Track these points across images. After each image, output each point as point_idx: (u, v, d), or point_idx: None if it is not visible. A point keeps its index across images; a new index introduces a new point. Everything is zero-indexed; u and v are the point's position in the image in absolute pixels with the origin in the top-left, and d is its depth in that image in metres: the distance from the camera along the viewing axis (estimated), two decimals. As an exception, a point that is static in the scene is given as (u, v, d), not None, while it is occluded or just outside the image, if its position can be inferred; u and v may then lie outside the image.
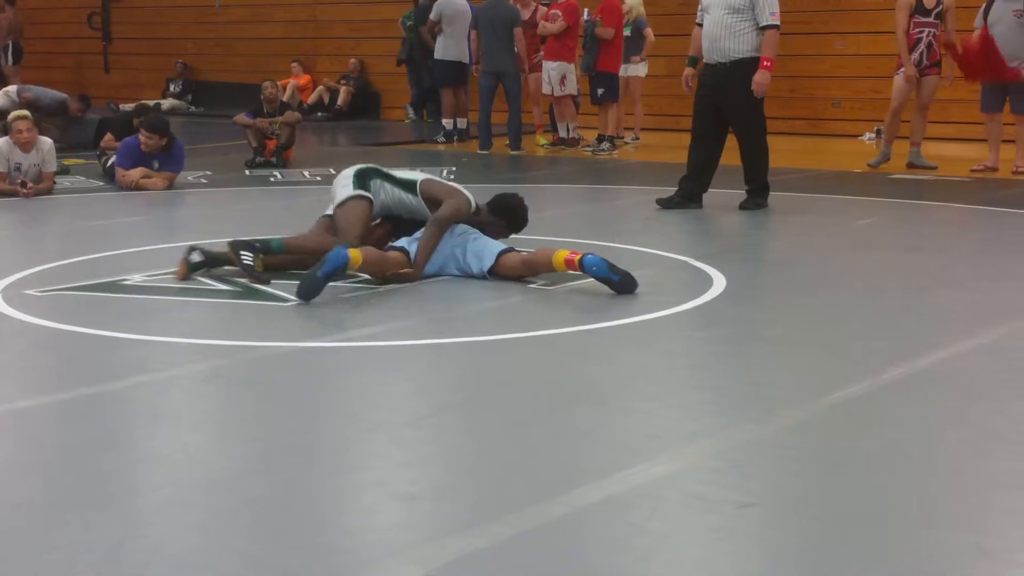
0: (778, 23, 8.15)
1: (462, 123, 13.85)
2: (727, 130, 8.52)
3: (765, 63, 8.09)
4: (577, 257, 5.66)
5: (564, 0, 12.55)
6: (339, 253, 5.52)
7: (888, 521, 3.08)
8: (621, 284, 5.63)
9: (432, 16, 13.66)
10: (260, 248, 5.99)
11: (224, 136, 13.40)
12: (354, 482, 3.40)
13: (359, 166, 6.42)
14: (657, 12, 13.82)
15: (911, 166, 10.59)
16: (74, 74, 20.71)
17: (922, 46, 10.38)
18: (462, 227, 6.13)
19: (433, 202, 6.18)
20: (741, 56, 8.13)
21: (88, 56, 21.09)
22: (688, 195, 8.44)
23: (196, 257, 5.98)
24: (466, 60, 13.40)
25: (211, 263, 6.03)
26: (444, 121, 13.93)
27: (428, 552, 2.89)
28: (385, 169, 6.42)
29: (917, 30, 10.37)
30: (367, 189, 6.21)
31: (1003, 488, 3.31)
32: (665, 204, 8.41)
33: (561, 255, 5.75)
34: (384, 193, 6.26)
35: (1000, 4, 10.17)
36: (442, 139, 13.79)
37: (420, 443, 3.74)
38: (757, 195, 8.45)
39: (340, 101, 17.38)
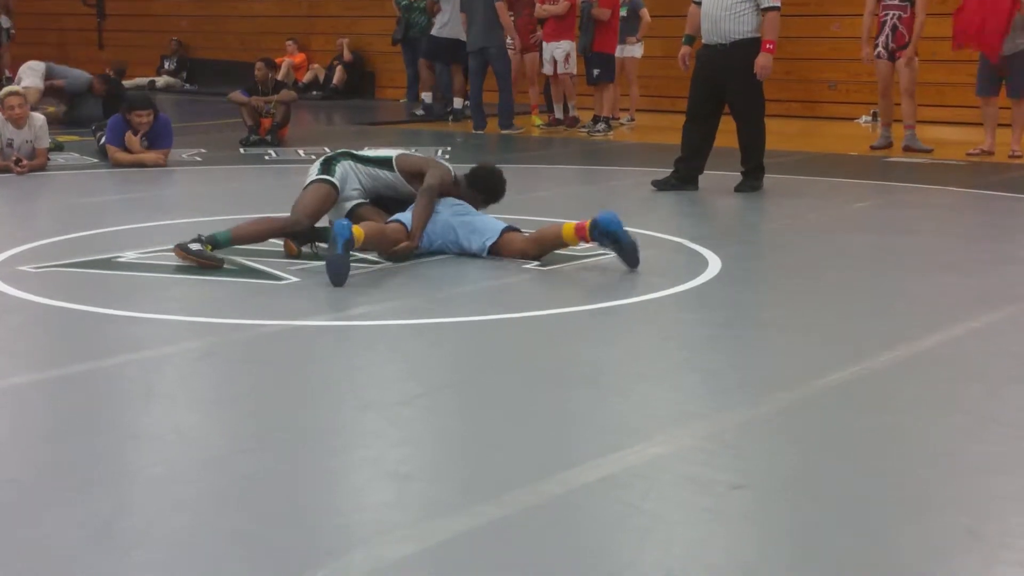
0: (779, 4, 8.12)
1: (457, 103, 13.82)
2: (722, 111, 8.48)
3: (767, 45, 8.05)
4: (588, 223, 5.67)
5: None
6: (342, 224, 5.45)
7: (881, 504, 3.08)
8: (628, 249, 5.64)
9: None
10: (206, 240, 5.84)
11: (219, 114, 13.35)
12: (346, 461, 3.40)
13: (327, 153, 6.39)
14: (654, -7, 13.76)
15: (907, 149, 10.59)
16: (68, 51, 20.61)
17: (887, 29, 10.43)
18: (457, 202, 6.12)
19: (412, 175, 6.19)
20: (741, 37, 8.09)
21: (82, 33, 21.00)
22: (684, 177, 8.42)
23: (194, 247, 5.83)
24: (463, 38, 13.35)
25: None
26: (423, 95, 13.93)
27: (420, 531, 2.89)
28: (356, 151, 6.42)
29: (884, 12, 10.43)
30: (332, 174, 6.16)
31: (996, 472, 3.31)
32: (661, 186, 8.40)
33: (570, 226, 5.78)
34: (360, 175, 6.24)
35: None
36: (421, 113, 13.83)
37: (413, 422, 3.73)
38: (752, 177, 8.44)
39: (335, 80, 17.32)
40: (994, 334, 4.75)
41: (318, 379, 4.18)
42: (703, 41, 8.36)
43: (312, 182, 6.15)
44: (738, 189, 8.36)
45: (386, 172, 6.25)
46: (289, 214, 6.05)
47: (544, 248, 5.95)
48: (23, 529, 2.90)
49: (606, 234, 5.65)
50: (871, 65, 10.67)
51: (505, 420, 3.73)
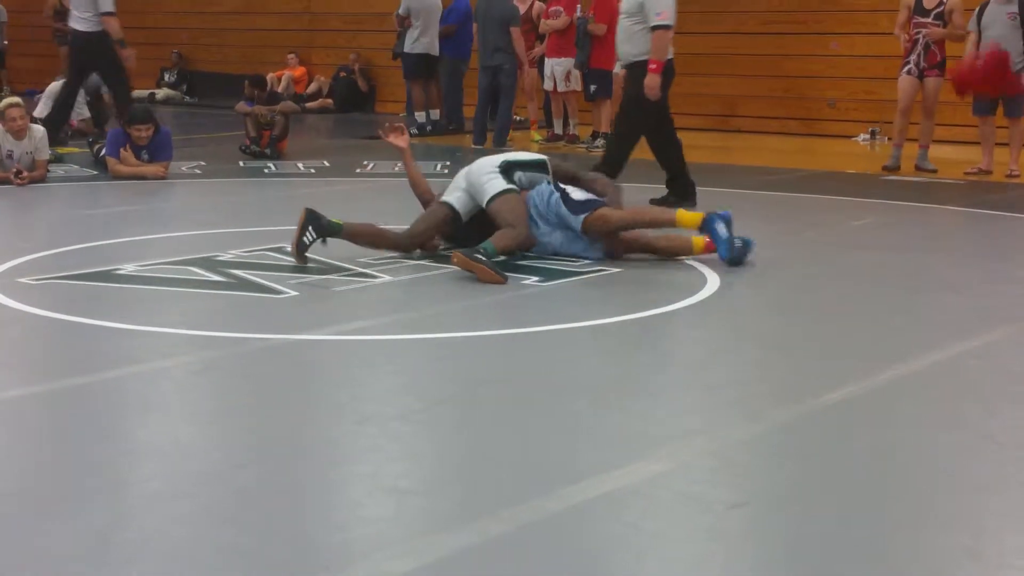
0: (666, 23, 7.92)
1: (434, 115, 13.92)
2: (666, 123, 8.41)
3: (651, 65, 7.92)
4: (703, 214, 6.19)
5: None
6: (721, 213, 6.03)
7: (880, 522, 3.08)
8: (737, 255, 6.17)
9: (400, 10, 13.71)
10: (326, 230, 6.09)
11: (219, 127, 13.37)
12: (344, 475, 3.39)
13: (496, 161, 6.44)
14: (653, 10, 13.80)
15: (918, 168, 10.53)
16: (57, 63, 20.60)
17: (919, 47, 10.30)
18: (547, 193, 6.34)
19: (563, 177, 6.49)
20: (634, 59, 8.05)
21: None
22: (680, 194, 8.40)
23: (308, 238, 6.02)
24: (435, 53, 13.52)
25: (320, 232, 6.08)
26: (416, 115, 13.98)
27: (418, 546, 2.89)
28: (512, 158, 6.58)
29: (916, 30, 10.32)
30: (513, 182, 6.33)
31: (995, 491, 3.31)
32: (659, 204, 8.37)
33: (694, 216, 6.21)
34: (525, 181, 6.41)
35: (994, 7, 10.16)
36: (415, 132, 13.85)
37: (411, 437, 3.73)
38: (674, 190, 8.28)
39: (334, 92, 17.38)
40: (992, 353, 4.75)
41: (317, 393, 4.18)
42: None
43: (506, 191, 6.23)
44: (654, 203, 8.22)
45: (541, 173, 6.47)
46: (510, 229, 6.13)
47: (644, 223, 6.33)
48: (20, 541, 2.89)
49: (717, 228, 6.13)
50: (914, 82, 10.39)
51: (504, 436, 3.73)
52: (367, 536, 2.97)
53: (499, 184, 6.27)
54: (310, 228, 6.07)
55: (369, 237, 6.35)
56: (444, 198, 6.41)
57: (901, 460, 3.55)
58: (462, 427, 3.85)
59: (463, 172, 6.49)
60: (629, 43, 8.05)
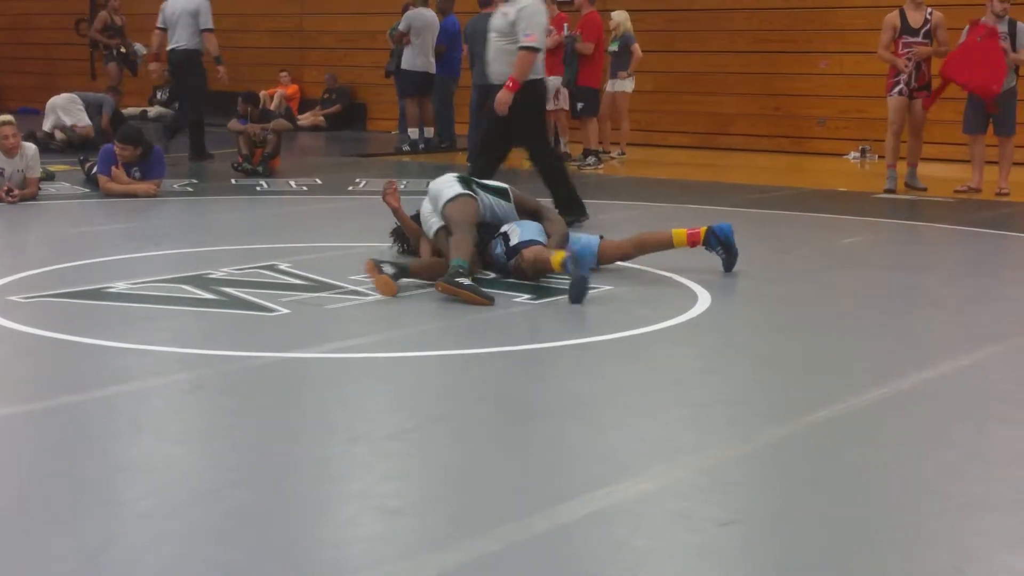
0: (534, 45, 7.86)
1: (428, 132, 13.98)
2: (507, 147, 8.39)
3: (508, 83, 7.82)
4: (702, 229, 6.49)
5: (555, 15, 12.61)
6: (586, 245, 6.02)
7: (869, 541, 3.09)
8: (734, 256, 6.54)
9: (401, 27, 13.77)
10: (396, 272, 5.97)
11: (211, 145, 13.35)
12: (336, 494, 3.39)
13: (455, 174, 6.55)
14: (645, 28, 13.87)
15: (908, 186, 10.56)
16: (59, 80, 20.63)
17: (910, 66, 10.31)
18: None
19: (524, 209, 6.58)
20: (505, 80, 7.96)
21: (75, 63, 21.02)
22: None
23: (389, 269, 5.94)
24: (432, 71, 13.61)
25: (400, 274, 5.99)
26: (409, 131, 14.02)
27: (410, 566, 2.88)
28: (474, 178, 6.66)
29: (906, 51, 10.32)
30: (472, 191, 6.37)
31: (984, 510, 3.32)
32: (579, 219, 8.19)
33: (681, 232, 6.41)
34: (486, 200, 6.44)
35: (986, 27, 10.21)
36: (407, 148, 13.87)
37: (403, 456, 3.73)
38: (569, 211, 8.03)
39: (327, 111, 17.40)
40: (982, 371, 4.77)
41: (308, 412, 4.18)
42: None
43: (461, 195, 6.26)
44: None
45: (502, 200, 6.50)
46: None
47: (645, 249, 6.55)
48: (8, 561, 2.89)
49: (722, 242, 6.51)
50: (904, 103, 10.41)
51: (495, 454, 3.73)
52: (358, 554, 2.97)
53: (455, 190, 6.30)
54: (383, 266, 5.95)
55: (429, 271, 6.16)
56: (434, 228, 6.38)
57: (890, 478, 3.56)
58: (453, 445, 3.85)
59: (425, 200, 6.54)
60: (500, 63, 8.02)
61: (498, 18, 8.05)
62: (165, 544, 3.00)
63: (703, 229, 6.53)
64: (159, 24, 12.31)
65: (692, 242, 6.53)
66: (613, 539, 3.05)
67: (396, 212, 6.81)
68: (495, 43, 8.07)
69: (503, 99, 7.86)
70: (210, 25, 11.97)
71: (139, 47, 17.37)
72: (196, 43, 12.03)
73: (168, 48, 12.10)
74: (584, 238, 6.49)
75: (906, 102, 10.39)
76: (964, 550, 3.06)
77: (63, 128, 13.02)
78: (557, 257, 5.98)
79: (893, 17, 10.41)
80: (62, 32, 21.07)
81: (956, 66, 10.14)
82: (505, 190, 6.58)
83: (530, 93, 7.98)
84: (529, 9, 7.89)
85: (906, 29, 10.30)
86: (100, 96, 13.72)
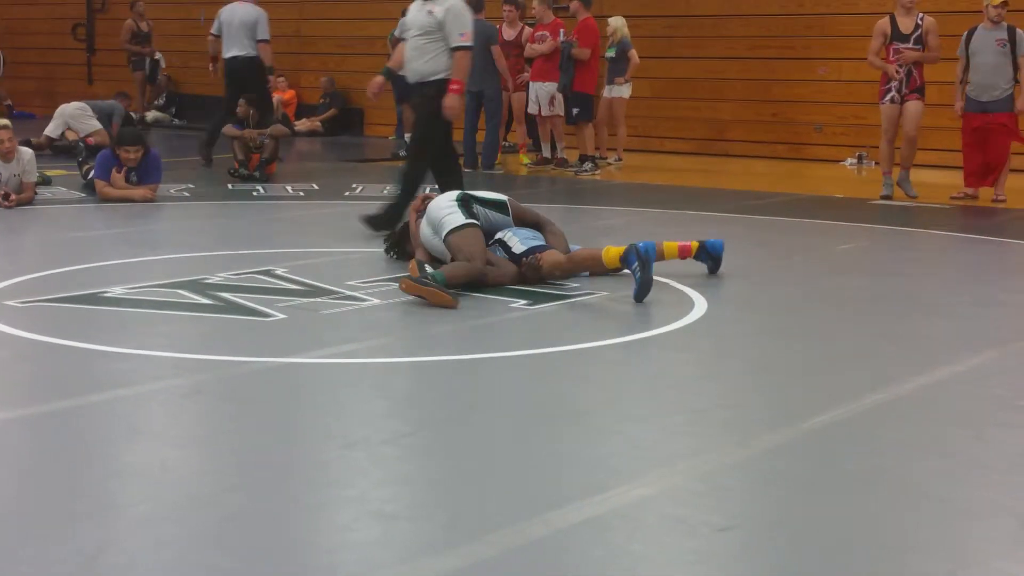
0: (469, 44, 7.91)
1: None
2: (452, 150, 8.38)
3: (453, 86, 7.80)
4: (693, 244, 6.60)
5: (551, 20, 12.63)
6: (647, 248, 5.93)
7: (866, 547, 3.09)
8: (717, 267, 6.66)
9: (396, 32, 13.76)
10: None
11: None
12: (331, 499, 3.39)
13: (454, 195, 6.49)
14: (642, 34, 13.88)
15: (898, 185, 10.53)
16: (56, 84, 20.64)
17: (901, 72, 10.29)
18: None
19: (524, 221, 6.63)
20: (431, 78, 7.95)
21: (72, 67, 21.03)
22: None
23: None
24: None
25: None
26: (407, 136, 14.00)
27: (405, 571, 2.88)
28: (472, 192, 6.66)
29: (895, 57, 10.29)
30: (475, 216, 6.34)
31: (980, 516, 3.32)
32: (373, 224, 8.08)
33: (614, 251, 6.22)
34: (485, 215, 6.46)
35: (983, 33, 10.22)
36: (403, 153, 13.85)
37: (398, 461, 3.73)
38: (381, 216, 7.99)
39: (323, 116, 17.39)
40: (978, 377, 4.77)
41: (304, 417, 4.18)
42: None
43: (466, 226, 6.22)
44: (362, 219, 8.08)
45: (500, 214, 6.53)
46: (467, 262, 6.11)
47: (577, 268, 6.41)
48: (6, 564, 2.88)
49: (713, 257, 6.64)
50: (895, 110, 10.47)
51: (491, 460, 3.73)
52: (354, 560, 2.97)
53: (458, 218, 6.26)
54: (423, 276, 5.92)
55: (465, 277, 6.11)
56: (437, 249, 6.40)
57: (887, 484, 3.56)
58: (449, 451, 3.85)
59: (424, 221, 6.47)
60: (422, 61, 7.94)
61: (423, 16, 7.95)
62: (162, 549, 3.00)
63: (694, 244, 6.61)
64: (213, 31, 12.58)
65: (683, 255, 6.61)
66: (610, 545, 3.05)
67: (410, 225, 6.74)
68: (417, 41, 7.95)
69: (453, 103, 7.83)
70: (267, 36, 12.26)
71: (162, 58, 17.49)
72: (253, 52, 12.26)
73: (227, 56, 12.36)
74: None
75: (898, 109, 10.36)
76: (961, 556, 3.06)
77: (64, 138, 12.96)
78: (613, 253, 6.17)
79: (884, 24, 10.40)
80: (59, 37, 21.07)
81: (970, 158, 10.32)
82: (504, 203, 6.58)
83: (443, 90, 7.93)
84: (457, 8, 7.91)
85: (896, 35, 10.29)
86: (110, 103, 13.72)
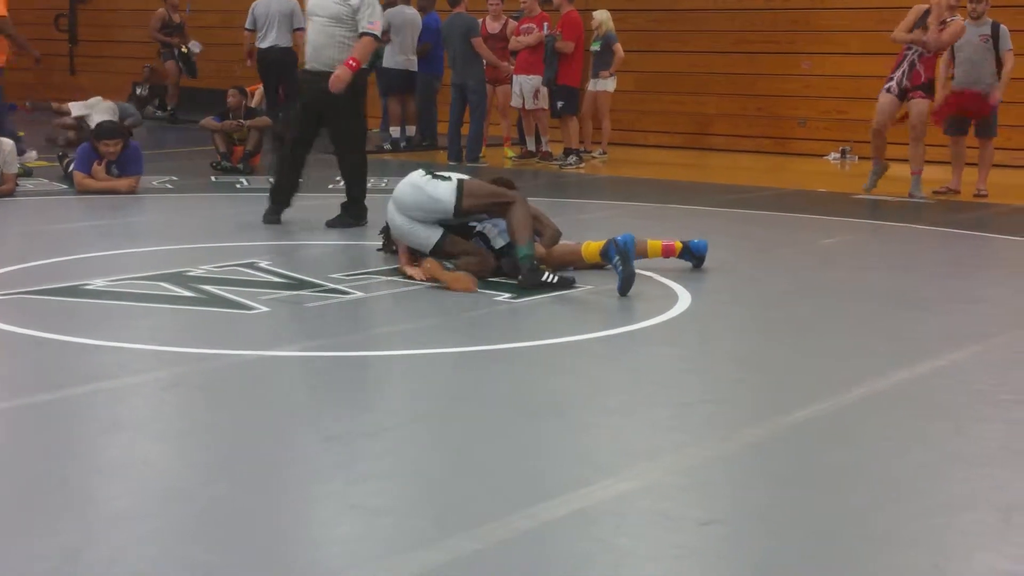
0: (377, 32, 7.97)
1: (410, 131, 13.94)
2: (310, 143, 8.33)
3: (350, 61, 7.77)
4: (677, 244, 6.64)
5: (537, 14, 12.61)
6: (625, 241, 5.96)
7: (849, 540, 3.09)
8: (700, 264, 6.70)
9: (250, 24, 13.72)
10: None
11: (191, 141, 13.33)
12: (315, 494, 3.38)
13: (420, 171, 6.41)
14: (627, 28, 13.88)
15: (911, 196, 10.32)
16: (39, 75, 20.52)
17: (905, 64, 10.10)
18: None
19: (477, 202, 6.43)
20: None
21: (54, 58, 20.90)
22: (284, 204, 8.27)
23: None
24: (413, 68, 13.57)
25: None
26: (391, 129, 14.00)
27: (390, 565, 2.87)
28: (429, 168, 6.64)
29: (906, 47, 10.09)
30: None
31: (962, 509, 3.33)
32: (268, 220, 8.20)
33: (593, 246, 6.29)
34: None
35: (967, 28, 10.23)
36: (388, 147, 13.83)
37: (382, 455, 3.72)
38: (348, 213, 8.12)
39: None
40: (960, 372, 4.78)
41: (286, 410, 4.16)
42: (307, 67, 8.14)
43: (461, 180, 6.27)
44: (330, 224, 8.06)
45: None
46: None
47: (557, 263, 6.40)
48: (-14, 560, 2.87)
49: (697, 258, 6.67)
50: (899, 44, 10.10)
51: (475, 454, 3.72)
52: (337, 554, 2.96)
53: (449, 180, 6.24)
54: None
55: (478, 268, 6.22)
56: (434, 240, 6.26)
57: (870, 478, 3.57)
58: (433, 445, 3.84)
59: (392, 210, 6.34)
60: (336, 48, 7.90)
61: (335, 5, 7.90)
62: (144, 543, 2.99)
63: (678, 244, 6.66)
64: (247, 26, 13.01)
65: (667, 254, 6.64)
66: (594, 538, 3.05)
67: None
68: (327, 28, 7.92)
69: (344, 76, 7.75)
70: (304, 25, 12.25)
71: (195, 45, 17.29)
72: (289, 42, 12.82)
73: (264, 47, 12.84)
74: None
75: (894, 101, 10.14)
76: (943, 549, 3.07)
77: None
78: (593, 248, 6.24)
79: (921, 8, 10.12)
80: (42, 28, 20.94)
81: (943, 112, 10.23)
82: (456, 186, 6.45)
83: (363, 78, 8.04)
84: None
85: (922, 24, 10.04)
86: (126, 106, 13.63)
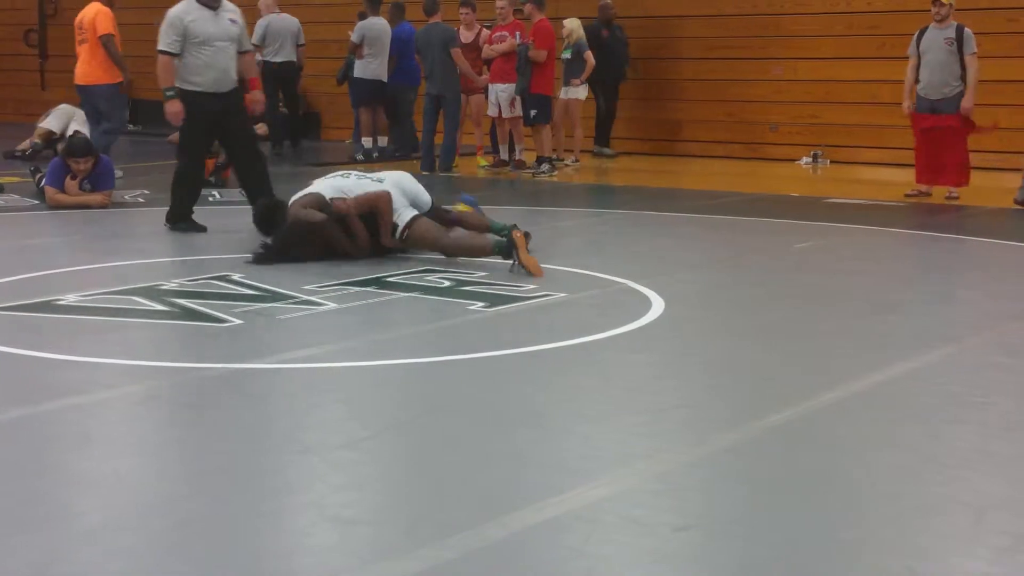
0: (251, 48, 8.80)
1: (382, 141, 13.98)
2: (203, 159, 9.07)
3: (259, 82, 8.90)
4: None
5: (510, 22, 12.63)
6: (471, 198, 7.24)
7: (823, 544, 3.10)
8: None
9: (354, 38, 13.78)
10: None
11: (163, 155, 13.26)
12: (289, 505, 3.37)
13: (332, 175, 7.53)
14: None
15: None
16: (9, 91, 20.42)
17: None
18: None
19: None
20: (236, 83, 8.43)
21: (24, 73, 20.81)
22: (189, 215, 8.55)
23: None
24: (384, 79, 13.63)
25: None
26: (363, 140, 14.03)
27: (364, 575, 2.87)
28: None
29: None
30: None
31: (936, 512, 3.34)
32: (175, 226, 8.43)
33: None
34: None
35: (932, 32, 10.32)
36: (361, 157, 13.84)
37: (357, 465, 3.71)
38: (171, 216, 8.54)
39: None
40: (932, 374, 4.81)
41: (261, 422, 4.15)
42: (210, 89, 8.29)
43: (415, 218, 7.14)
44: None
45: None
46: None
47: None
48: (-44, 579, 2.84)
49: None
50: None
51: (449, 463, 3.72)
52: (312, 565, 2.95)
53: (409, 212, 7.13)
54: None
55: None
56: (408, 216, 7.14)
57: (843, 481, 3.58)
58: (407, 455, 3.83)
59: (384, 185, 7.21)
60: (233, 67, 8.38)
61: (226, 24, 8.32)
62: (116, 558, 2.97)
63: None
64: (255, 41, 13.32)
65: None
66: (567, 546, 3.05)
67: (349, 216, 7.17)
68: (229, 49, 8.33)
69: (260, 99, 8.73)
70: (303, 41, 14.28)
71: None
72: (295, 56, 14.14)
73: (274, 61, 13.86)
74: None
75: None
76: (917, 551, 3.08)
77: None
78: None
79: None
80: (11, 43, 20.85)
81: (925, 157, 10.30)
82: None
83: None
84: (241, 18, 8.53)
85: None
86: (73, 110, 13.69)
